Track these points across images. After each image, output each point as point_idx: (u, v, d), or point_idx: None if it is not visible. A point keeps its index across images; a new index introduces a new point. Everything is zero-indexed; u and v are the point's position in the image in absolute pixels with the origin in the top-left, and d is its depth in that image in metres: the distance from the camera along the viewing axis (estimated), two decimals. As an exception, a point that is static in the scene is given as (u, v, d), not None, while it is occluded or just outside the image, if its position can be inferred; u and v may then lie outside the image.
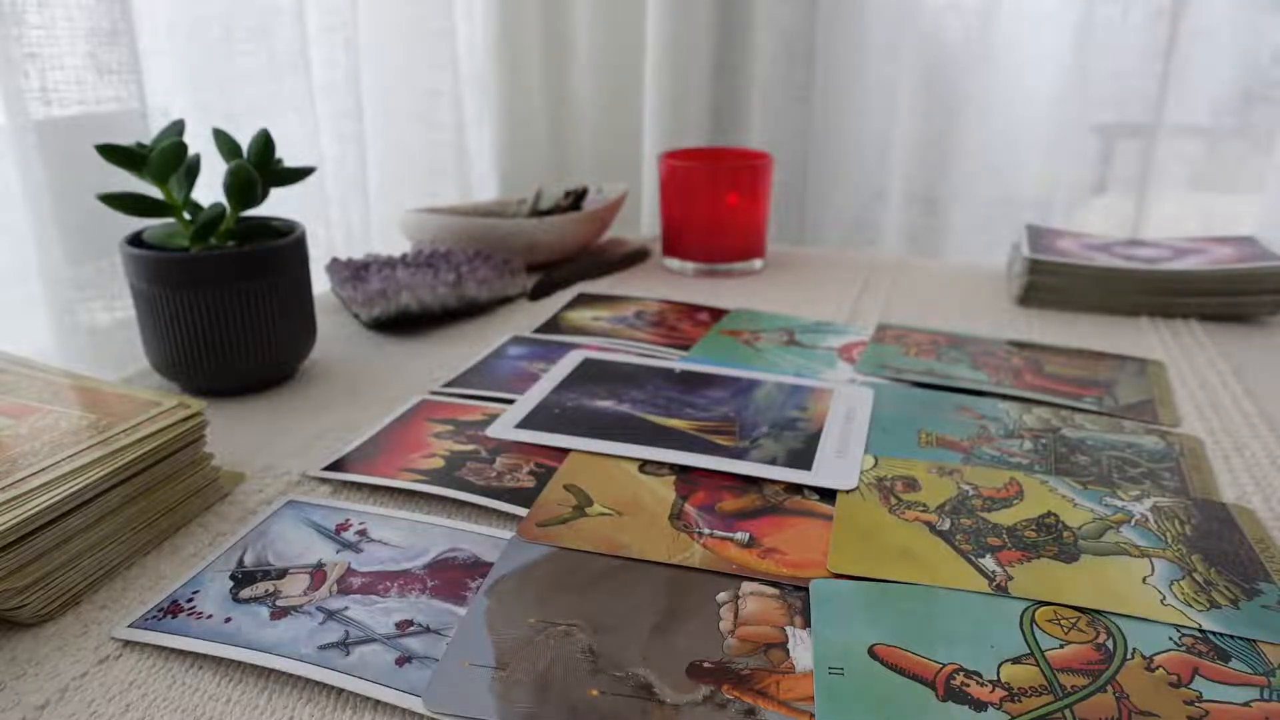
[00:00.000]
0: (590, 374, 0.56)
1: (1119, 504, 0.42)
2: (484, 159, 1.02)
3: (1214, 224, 0.94)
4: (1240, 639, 0.33)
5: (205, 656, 0.33)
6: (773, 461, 0.45)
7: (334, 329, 0.65)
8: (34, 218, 0.60)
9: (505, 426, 0.49)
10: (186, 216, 0.52)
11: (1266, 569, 0.37)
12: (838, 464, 0.45)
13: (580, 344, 0.62)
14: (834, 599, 0.35)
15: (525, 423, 0.49)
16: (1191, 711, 0.30)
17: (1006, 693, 0.30)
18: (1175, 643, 0.33)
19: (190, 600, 0.35)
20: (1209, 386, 0.57)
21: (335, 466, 0.45)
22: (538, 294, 0.74)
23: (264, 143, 0.53)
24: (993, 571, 0.37)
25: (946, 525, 0.40)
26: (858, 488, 0.43)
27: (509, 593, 0.35)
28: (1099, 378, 0.57)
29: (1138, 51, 0.91)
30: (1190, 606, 0.35)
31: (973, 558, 0.37)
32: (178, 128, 0.52)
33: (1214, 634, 0.33)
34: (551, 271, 0.77)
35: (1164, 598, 0.35)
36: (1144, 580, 0.36)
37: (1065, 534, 0.39)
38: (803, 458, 0.46)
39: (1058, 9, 0.92)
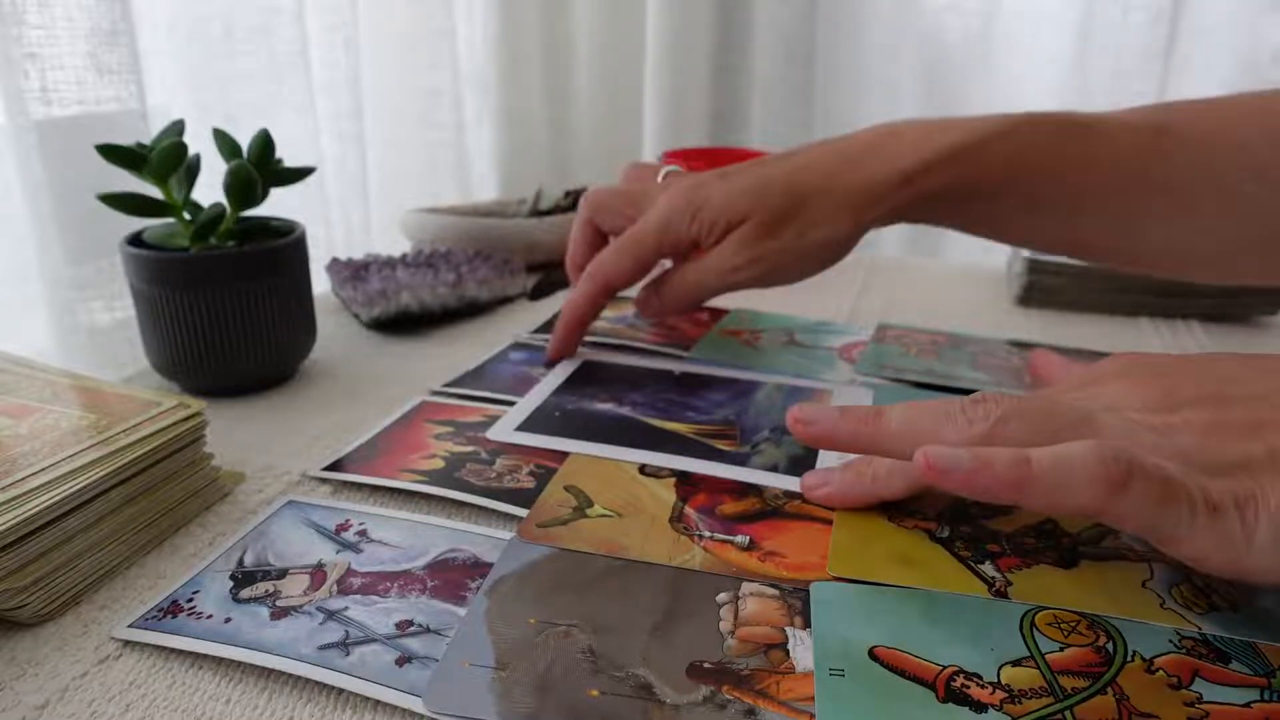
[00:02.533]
0: (590, 376, 0.56)
1: (1119, 505, 0.42)
2: (484, 159, 1.02)
3: (1214, 225, 0.93)
4: (1240, 640, 0.33)
5: (205, 656, 0.33)
6: (774, 468, 0.45)
7: (334, 329, 0.65)
8: (34, 217, 0.60)
9: (505, 429, 0.49)
10: (186, 216, 0.52)
11: (1266, 571, 0.37)
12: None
13: (579, 344, 0.62)
14: (834, 600, 0.35)
15: (525, 425, 0.49)
16: (1192, 713, 0.30)
17: (1007, 694, 0.30)
18: (1175, 645, 0.33)
19: (190, 600, 0.35)
20: (1209, 388, 0.57)
21: (335, 467, 0.45)
22: (538, 294, 0.74)
23: (264, 143, 0.53)
24: (992, 578, 0.36)
25: (945, 533, 0.40)
26: (858, 489, 0.43)
27: (509, 593, 0.35)
28: (1099, 379, 0.57)
29: (1138, 51, 0.91)
30: (1190, 610, 0.35)
31: (972, 564, 0.37)
32: (178, 128, 0.52)
33: (1214, 637, 0.33)
34: (551, 271, 0.77)
35: (1163, 601, 0.35)
36: (1143, 584, 0.36)
37: (1064, 539, 0.39)
38: (804, 464, 0.46)
39: (1058, 9, 0.92)
